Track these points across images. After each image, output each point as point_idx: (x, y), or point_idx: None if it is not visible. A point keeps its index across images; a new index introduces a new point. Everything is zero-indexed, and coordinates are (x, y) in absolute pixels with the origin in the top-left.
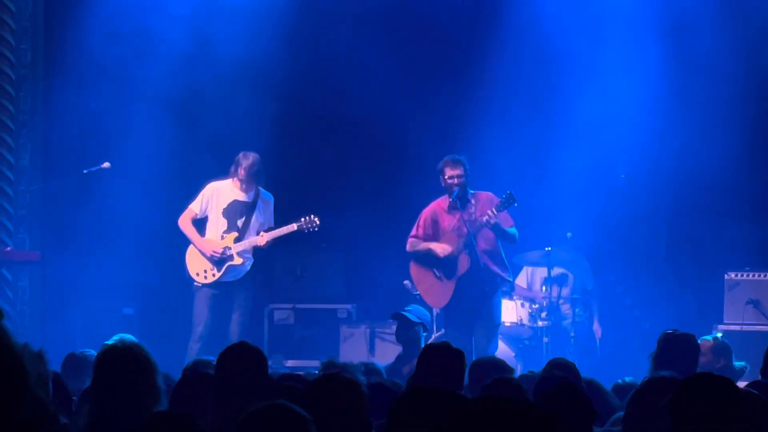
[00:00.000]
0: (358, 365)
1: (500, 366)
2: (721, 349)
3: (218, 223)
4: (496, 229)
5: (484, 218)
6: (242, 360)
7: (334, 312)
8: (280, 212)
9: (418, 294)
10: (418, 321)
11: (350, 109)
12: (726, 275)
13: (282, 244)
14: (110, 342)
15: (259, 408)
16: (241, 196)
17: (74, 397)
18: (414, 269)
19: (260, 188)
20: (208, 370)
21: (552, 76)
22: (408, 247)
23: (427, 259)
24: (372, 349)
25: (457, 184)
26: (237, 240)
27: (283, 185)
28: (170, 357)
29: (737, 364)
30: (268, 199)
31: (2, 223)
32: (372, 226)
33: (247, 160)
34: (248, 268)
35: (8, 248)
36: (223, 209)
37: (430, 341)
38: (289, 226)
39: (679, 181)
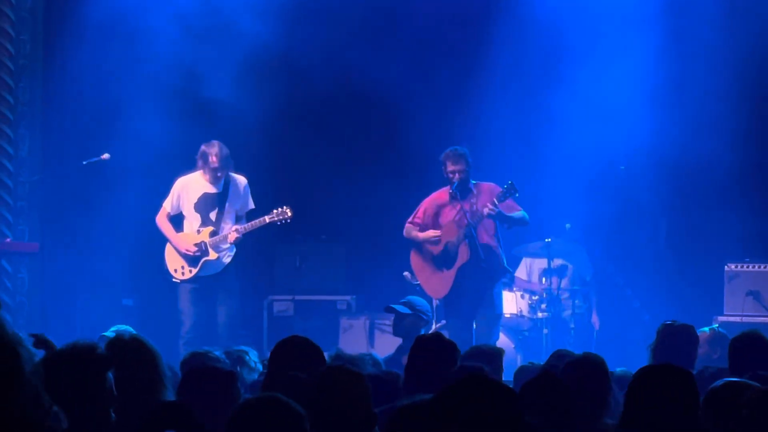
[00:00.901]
0: (365, 357)
1: (489, 353)
2: (717, 340)
3: (192, 218)
4: (500, 218)
5: (485, 210)
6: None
7: (333, 303)
8: (278, 204)
9: (419, 285)
10: (410, 312)
11: (349, 100)
12: (726, 266)
13: (281, 235)
14: (109, 334)
15: (252, 400)
16: (210, 188)
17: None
18: (414, 259)
19: (230, 174)
20: (209, 362)
21: (551, 67)
22: (404, 232)
23: (427, 250)
24: (372, 341)
25: (457, 178)
26: (213, 234)
27: (282, 176)
28: (169, 348)
29: None
30: (239, 183)
31: (1, 215)
32: (372, 217)
33: (213, 148)
34: (227, 261)
35: (8, 239)
36: (194, 204)
37: (431, 332)
38: (261, 219)
39: (678, 172)
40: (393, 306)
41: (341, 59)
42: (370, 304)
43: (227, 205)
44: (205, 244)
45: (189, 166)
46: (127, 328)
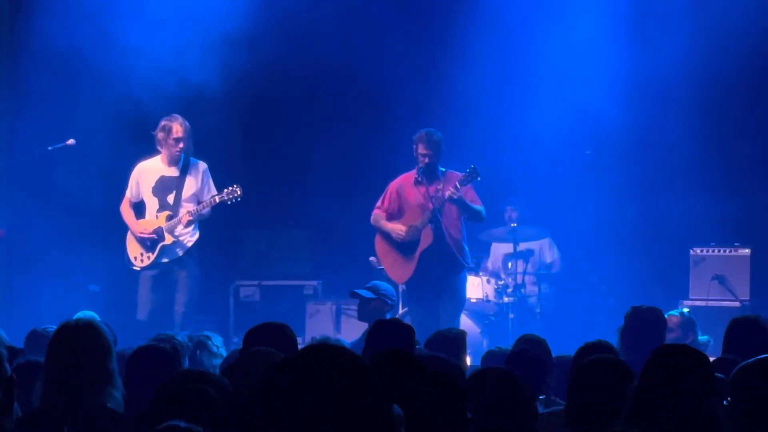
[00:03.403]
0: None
1: (452, 337)
2: (689, 324)
3: (151, 203)
4: (460, 203)
5: (447, 193)
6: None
7: (300, 289)
8: (245, 191)
9: (384, 269)
10: (374, 296)
11: (315, 84)
12: (691, 251)
13: (248, 220)
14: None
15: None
16: (168, 171)
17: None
18: (379, 244)
19: (189, 158)
20: (164, 344)
21: (518, 53)
22: (372, 219)
23: (391, 235)
24: (338, 326)
25: (426, 162)
26: (170, 218)
27: (248, 162)
28: (134, 333)
29: (701, 338)
30: (198, 167)
31: None
32: (338, 203)
33: (175, 120)
34: (188, 245)
35: None
36: (152, 188)
37: (394, 317)
38: (211, 198)
39: (644, 157)
40: (357, 291)
41: (307, 39)
42: (336, 289)
43: (185, 188)
44: (162, 228)
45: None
46: (92, 314)
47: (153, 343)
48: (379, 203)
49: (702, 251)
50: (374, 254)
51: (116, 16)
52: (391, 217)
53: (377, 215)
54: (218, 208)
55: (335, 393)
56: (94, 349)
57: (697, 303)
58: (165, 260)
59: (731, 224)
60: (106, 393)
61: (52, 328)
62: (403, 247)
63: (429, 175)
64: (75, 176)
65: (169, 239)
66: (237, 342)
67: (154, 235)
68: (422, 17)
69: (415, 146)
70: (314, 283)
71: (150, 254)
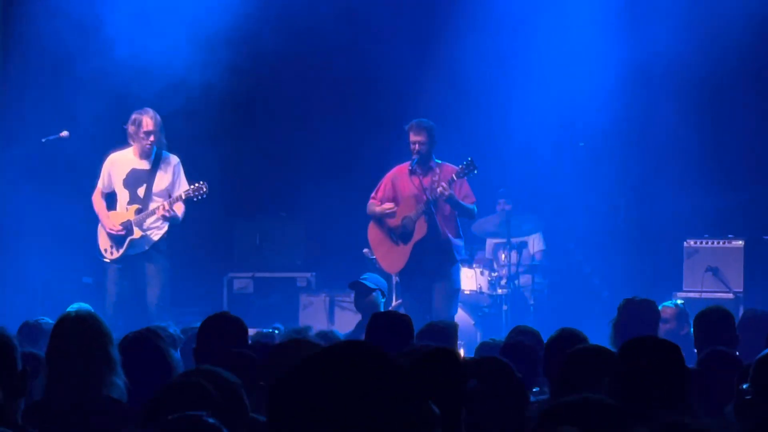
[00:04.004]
0: (328, 334)
1: (443, 328)
2: (684, 316)
3: (122, 195)
4: (452, 202)
5: (440, 189)
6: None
7: (293, 280)
8: (236, 180)
9: (376, 260)
10: (375, 287)
11: (307, 74)
12: (685, 243)
13: (241, 212)
14: (68, 311)
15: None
16: (140, 164)
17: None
18: (372, 233)
19: (162, 151)
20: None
21: (513, 45)
22: (367, 210)
23: (386, 224)
24: (331, 318)
25: (417, 150)
26: (139, 211)
27: (241, 154)
28: (127, 327)
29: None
30: (170, 161)
31: None
32: (331, 195)
33: (146, 113)
34: (155, 239)
35: None
36: (123, 180)
37: (389, 309)
38: (177, 195)
39: (638, 149)
40: (361, 281)
41: (300, 31)
42: (329, 281)
43: (156, 181)
44: (131, 222)
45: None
46: (86, 306)
47: (138, 333)
48: (374, 194)
49: (695, 243)
50: (367, 246)
51: (108, 7)
52: None
53: (372, 204)
54: (210, 201)
55: (367, 394)
56: (96, 340)
57: (691, 295)
58: (133, 253)
59: (725, 216)
60: (109, 383)
61: (45, 320)
62: (397, 237)
63: (423, 166)
64: (69, 168)
65: (137, 233)
66: None
67: (122, 231)
68: (417, 7)
69: (406, 135)
70: (308, 275)
71: (119, 248)
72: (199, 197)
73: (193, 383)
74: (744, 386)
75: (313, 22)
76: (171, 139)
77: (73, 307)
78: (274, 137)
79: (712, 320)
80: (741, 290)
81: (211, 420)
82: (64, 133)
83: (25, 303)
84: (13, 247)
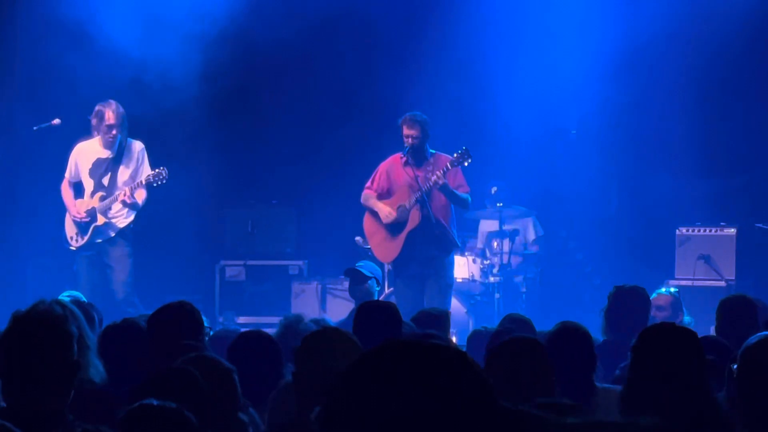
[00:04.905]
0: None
1: (435, 315)
2: (678, 303)
3: (87, 184)
4: (445, 191)
5: (433, 178)
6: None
7: (285, 268)
8: (226, 167)
9: (370, 249)
10: (371, 275)
11: (298, 62)
12: (677, 230)
13: (233, 200)
14: (65, 299)
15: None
16: (104, 153)
17: None
18: (367, 223)
19: (126, 138)
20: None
21: (503, 33)
22: (361, 199)
23: (380, 215)
24: (324, 305)
25: (411, 144)
26: (102, 198)
27: (232, 142)
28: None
29: (685, 318)
30: (134, 148)
31: None
32: (323, 182)
33: (109, 106)
34: (120, 226)
35: None
36: (89, 169)
37: (382, 297)
38: (138, 181)
39: (630, 136)
40: (357, 268)
41: (292, 18)
42: (322, 269)
43: (120, 169)
44: (95, 209)
45: (138, 132)
46: (78, 294)
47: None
48: (368, 183)
49: (688, 231)
50: (361, 234)
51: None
52: (380, 197)
53: (367, 195)
54: (201, 188)
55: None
56: (52, 340)
57: (683, 282)
58: (98, 240)
59: (717, 203)
60: (86, 362)
61: None
62: (391, 226)
63: (417, 156)
64: (60, 155)
65: (101, 220)
66: (222, 322)
67: (87, 218)
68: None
69: (400, 129)
70: (300, 262)
71: (84, 235)
72: (160, 183)
73: (181, 370)
74: (733, 366)
75: (306, 11)
76: (161, 127)
77: (65, 296)
78: (266, 125)
79: (735, 308)
80: (733, 278)
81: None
82: (56, 121)
83: (15, 291)
84: (3, 234)
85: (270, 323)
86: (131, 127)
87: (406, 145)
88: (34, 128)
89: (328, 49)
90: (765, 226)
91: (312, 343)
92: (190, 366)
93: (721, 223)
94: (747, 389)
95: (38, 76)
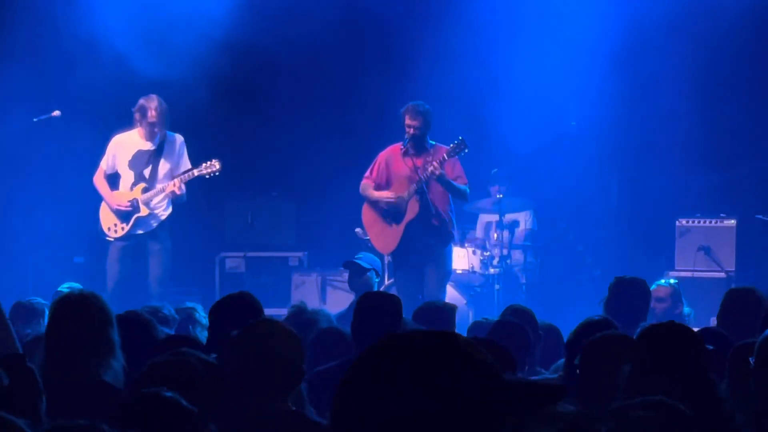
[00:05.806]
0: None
1: (441, 308)
2: (678, 295)
3: (126, 176)
4: (443, 181)
5: (430, 168)
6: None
7: (285, 260)
8: (228, 159)
9: (369, 240)
10: (370, 267)
11: (298, 56)
12: (677, 221)
13: (233, 192)
14: (64, 291)
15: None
16: (145, 145)
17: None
18: (366, 213)
19: (166, 132)
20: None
21: (505, 23)
22: (360, 189)
23: (379, 204)
24: (324, 297)
25: (412, 135)
26: (145, 190)
27: (233, 133)
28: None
29: (685, 309)
30: (174, 141)
31: None
32: (323, 174)
33: (152, 102)
34: (161, 218)
35: None
36: (128, 161)
37: (382, 289)
38: (189, 172)
39: (630, 128)
40: (355, 260)
41: (291, 11)
42: (322, 260)
43: (161, 162)
44: (137, 200)
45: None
46: (77, 286)
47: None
48: (367, 173)
49: (687, 222)
50: (360, 225)
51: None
52: (378, 188)
53: (365, 185)
54: (202, 180)
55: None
56: (98, 321)
57: (683, 274)
58: (140, 232)
59: (717, 195)
60: (106, 365)
61: (38, 300)
62: (390, 217)
63: (417, 147)
64: (60, 147)
65: (144, 211)
66: None
67: (129, 207)
68: None
69: (402, 119)
70: (300, 254)
71: (124, 225)
72: (212, 174)
73: (178, 361)
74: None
75: (306, 5)
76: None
77: (65, 287)
78: (267, 117)
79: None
80: (733, 269)
81: (184, 403)
82: (56, 113)
83: (16, 283)
84: (1, 227)
85: (270, 315)
86: (129, 116)
87: (407, 135)
88: (35, 119)
89: (328, 43)
90: (765, 218)
91: (247, 334)
92: (185, 356)
93: (721, 215)
94: (766, 380)
95: (38, 67)
